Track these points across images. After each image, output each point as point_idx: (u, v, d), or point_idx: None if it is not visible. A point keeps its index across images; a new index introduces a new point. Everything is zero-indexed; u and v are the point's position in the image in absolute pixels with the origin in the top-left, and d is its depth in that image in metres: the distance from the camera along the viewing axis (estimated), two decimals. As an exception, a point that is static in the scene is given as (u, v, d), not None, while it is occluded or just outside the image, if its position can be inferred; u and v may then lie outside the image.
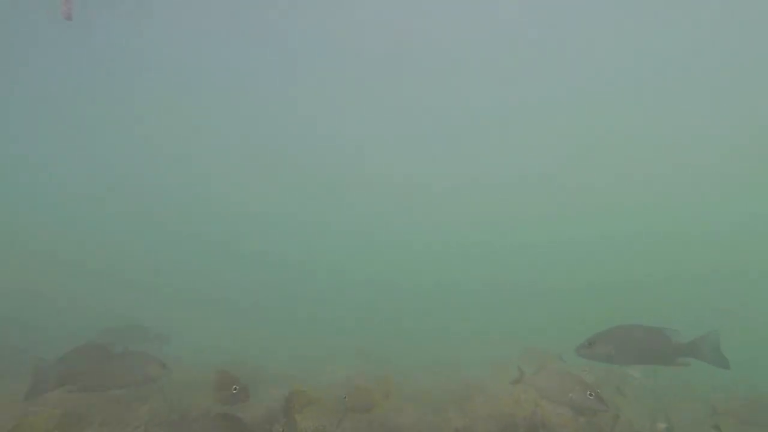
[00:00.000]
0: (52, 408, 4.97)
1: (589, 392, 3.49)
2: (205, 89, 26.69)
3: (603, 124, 28.70)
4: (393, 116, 30.69)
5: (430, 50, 24.94)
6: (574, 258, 28.51)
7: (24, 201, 28.93)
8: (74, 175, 30.01)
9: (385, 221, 35.86)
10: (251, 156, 32.70)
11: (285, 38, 24.01)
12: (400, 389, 6.22)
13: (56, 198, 30.08)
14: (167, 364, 4.30)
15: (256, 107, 29.18)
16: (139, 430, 5.40)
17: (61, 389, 3.87)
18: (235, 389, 4.19)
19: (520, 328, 12.30)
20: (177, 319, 14.13)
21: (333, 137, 32.25)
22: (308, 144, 32.57)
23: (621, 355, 3.58)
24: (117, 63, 23.15)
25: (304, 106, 29.24)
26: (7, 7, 16.46)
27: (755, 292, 18.18)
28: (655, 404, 5.12)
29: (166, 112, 27.47)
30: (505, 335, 11.27)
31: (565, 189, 33.04)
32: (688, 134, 28.12)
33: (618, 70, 25.26)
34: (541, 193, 33.42)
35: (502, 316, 15.10)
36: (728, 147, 27.75)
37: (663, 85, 25.50)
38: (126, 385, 4.24)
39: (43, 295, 13.36)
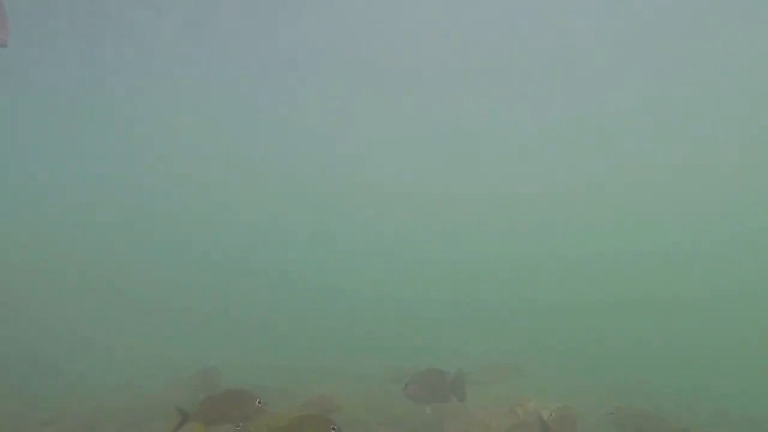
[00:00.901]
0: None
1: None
2: (197, 93, 26.40)
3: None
4: (387, 125, 30.70)
5: (435, 57, 24.95)
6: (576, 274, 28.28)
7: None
8: (57, 180, 29.45)
9: (376, 231, 35.73)
10: (242, 164, 32.33)
11: (281, 42, 23.85)
12: (375, 410, 6.13)
13: (37, 205, 29.42)
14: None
15: (246, 112, 28.91)
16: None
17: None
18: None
19: (505, 346, 12.20)
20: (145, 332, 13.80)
21: (321, 145, 32.14)
22: (299, 151, 32.34)
23: (427, 394, 4.30)
24: (105, 64, 22.79)
25: (292, 112, 29.07)
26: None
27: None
28: None
29: (157, 116, 27.13)
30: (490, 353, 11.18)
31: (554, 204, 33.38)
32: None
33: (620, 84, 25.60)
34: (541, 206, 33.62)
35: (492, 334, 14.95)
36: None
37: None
38: None
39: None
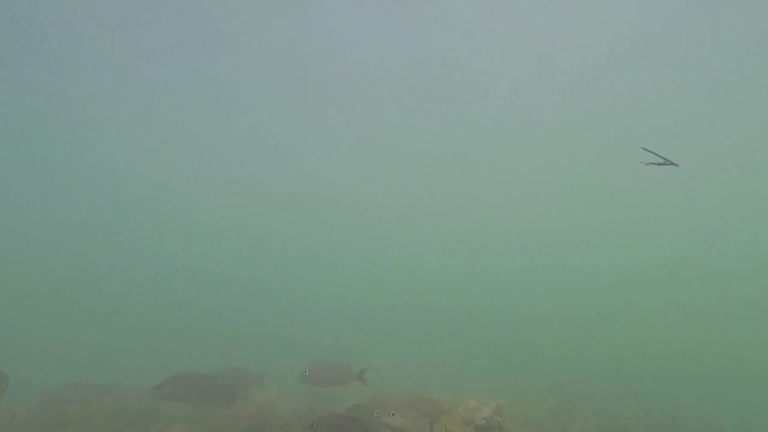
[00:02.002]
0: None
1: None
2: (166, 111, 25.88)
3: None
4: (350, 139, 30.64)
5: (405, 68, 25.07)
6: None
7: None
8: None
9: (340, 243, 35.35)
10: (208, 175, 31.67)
11: (247, 56, 23.62)
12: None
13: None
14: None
15: (212, 127, 28.45)
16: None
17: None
18: None
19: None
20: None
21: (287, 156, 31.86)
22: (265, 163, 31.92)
23: (182, 395, 4.48)
24: (78, 87, 22.31)
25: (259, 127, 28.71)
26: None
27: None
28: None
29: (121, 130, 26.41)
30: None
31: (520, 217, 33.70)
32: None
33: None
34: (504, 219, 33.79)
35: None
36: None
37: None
38: None
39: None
